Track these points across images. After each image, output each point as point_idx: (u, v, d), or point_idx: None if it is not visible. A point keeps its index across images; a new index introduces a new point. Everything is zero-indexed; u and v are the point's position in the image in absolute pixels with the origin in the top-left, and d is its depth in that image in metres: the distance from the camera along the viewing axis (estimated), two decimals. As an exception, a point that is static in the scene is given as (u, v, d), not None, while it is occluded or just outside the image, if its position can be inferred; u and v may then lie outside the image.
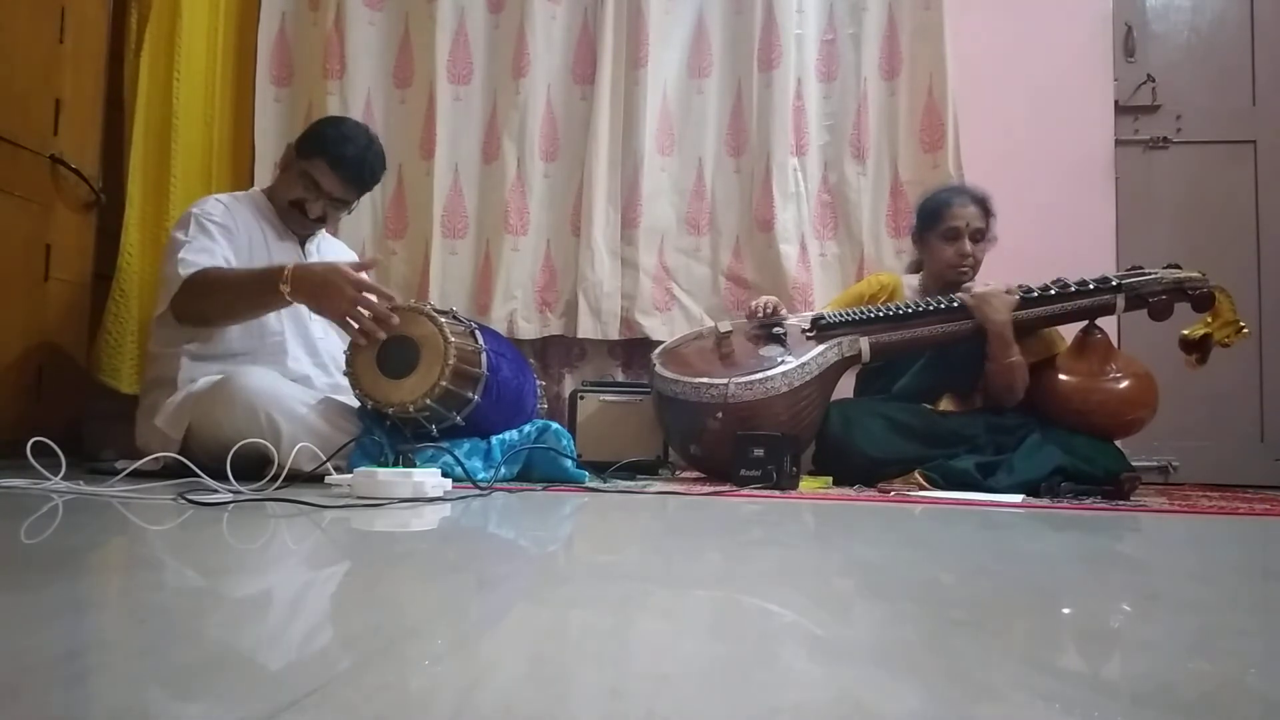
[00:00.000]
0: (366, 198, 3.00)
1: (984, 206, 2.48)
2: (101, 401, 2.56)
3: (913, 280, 2.60)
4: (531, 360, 2.61)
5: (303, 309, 2.11)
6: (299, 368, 2.14)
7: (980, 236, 2.47)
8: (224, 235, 2.07)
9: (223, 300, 1.96)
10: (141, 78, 2.67)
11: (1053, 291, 2.34)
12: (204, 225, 2.05)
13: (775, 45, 2.98)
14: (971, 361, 2.40)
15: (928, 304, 2.39)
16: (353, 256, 2.49)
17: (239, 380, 1.90)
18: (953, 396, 2.46)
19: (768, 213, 2.94)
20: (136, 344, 2.60)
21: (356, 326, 1.86)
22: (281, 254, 2.18)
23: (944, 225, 2.47)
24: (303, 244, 2.26)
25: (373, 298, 1.87)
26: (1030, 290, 2.35)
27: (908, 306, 2.40)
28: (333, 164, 2.13)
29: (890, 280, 2.61)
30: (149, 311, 2.53)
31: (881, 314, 2.41)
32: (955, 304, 2.37)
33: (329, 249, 2.37)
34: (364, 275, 1.89)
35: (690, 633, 0.62)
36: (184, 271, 1.95)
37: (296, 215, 2.18)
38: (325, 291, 1.86)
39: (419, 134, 3.04)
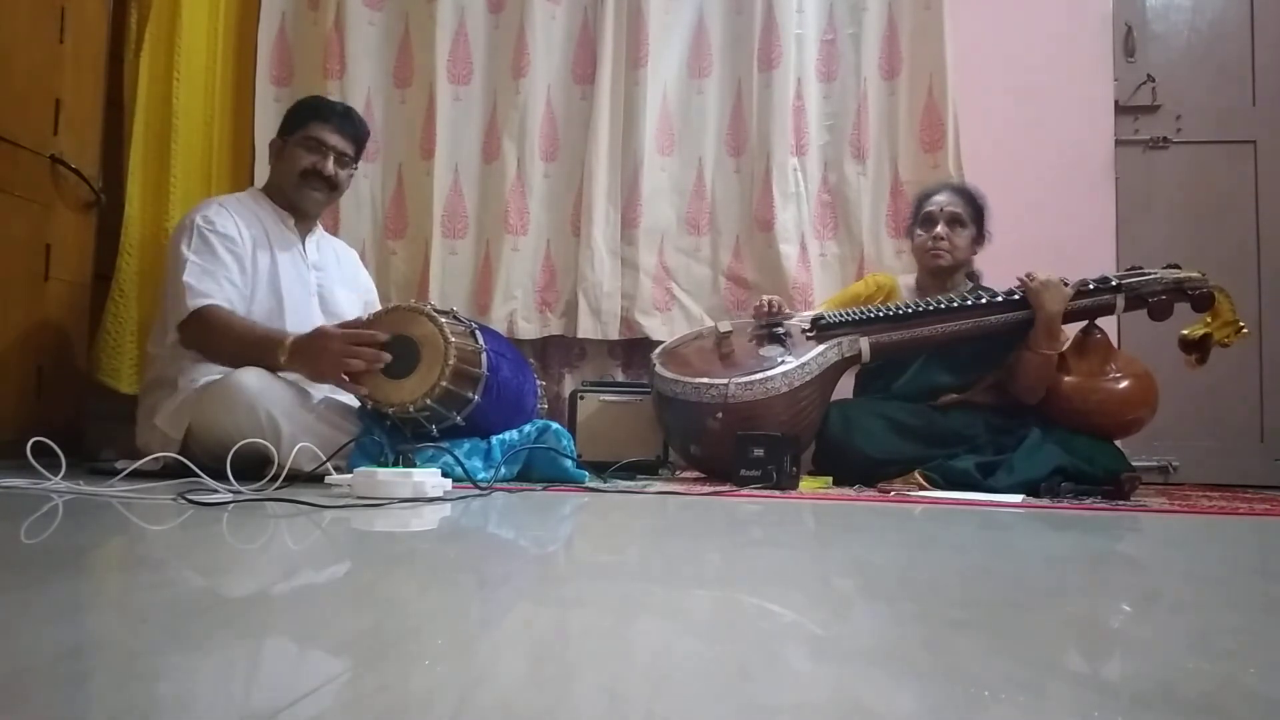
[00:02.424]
0: (366, 198, 3.02)
1: (965, 197, 2.52)
2: (101, 401, 2.55)
3: (909, 280, 2.61)
4: (531, 360, 2.61)
5: (307, 313, 2.12)
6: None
7: (957, 221, 2.48)
8: (228, 249, 2.07)
9: (225, 349, 1.99)
10: (141, 78, 2.67)
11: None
12: (207, 239, 2.05)
13: (775, 45, 2.98)
14: (973, 361, 2.41)
15: (928, 304, 2.40)
16: (353, 255, 2.50)
17: (239, 380, 1.90)
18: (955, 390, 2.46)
19: (768, 213, 2.93)
20: (136, 344, 2.59)
21: (349, 381, 1.88)
22: (283, 253, 2.18)
23: (921, 213, 2.53)
24: (303, 241, 2.25)
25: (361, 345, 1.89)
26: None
27: (908, 306, 2.41)
28: (325, 117, 2.23)
29: (887, 281, 2.62)
30: (149, 312, 2.52)
31: (882, 314, 2.41)
32: (955, 304, 2.37)
33: (328, 246, 2.37)
34: (350, 325, 1.94)
35: (690, 633, 0.62)
36: (191, 303, 1.97)
37: (311, 184, 2.21)
38: (314, 354, 1.89)
39: (419, 134, 3.03)
